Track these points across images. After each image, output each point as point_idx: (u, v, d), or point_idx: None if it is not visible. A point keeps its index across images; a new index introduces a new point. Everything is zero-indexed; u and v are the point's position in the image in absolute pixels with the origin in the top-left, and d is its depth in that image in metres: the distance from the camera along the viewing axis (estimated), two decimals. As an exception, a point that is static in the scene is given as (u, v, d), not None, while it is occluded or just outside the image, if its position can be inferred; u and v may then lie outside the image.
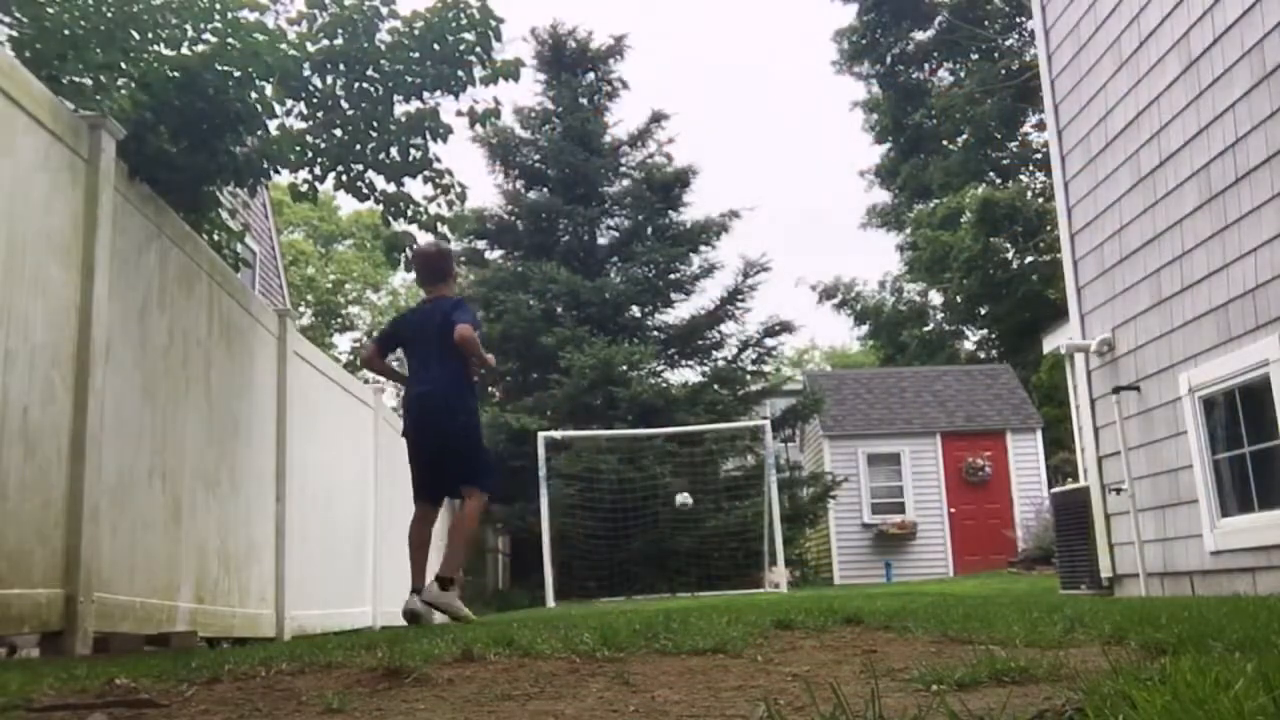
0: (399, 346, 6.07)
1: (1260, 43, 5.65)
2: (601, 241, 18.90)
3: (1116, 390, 7.02)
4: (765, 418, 15.93)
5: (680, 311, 18.64)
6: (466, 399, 5.68)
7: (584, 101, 19.03)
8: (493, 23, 6.09)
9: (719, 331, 18.32)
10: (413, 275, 6.59)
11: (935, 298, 28.77)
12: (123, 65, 5.16)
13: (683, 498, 14.44)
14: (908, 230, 27.70)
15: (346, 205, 34.33)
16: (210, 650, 4.45)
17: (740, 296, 18.03)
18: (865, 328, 30.59)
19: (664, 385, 16.74)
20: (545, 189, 18.76)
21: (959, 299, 26.74)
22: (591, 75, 19.38)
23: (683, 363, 18.43)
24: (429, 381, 5.62)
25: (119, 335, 4.40)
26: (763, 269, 17.91)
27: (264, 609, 6.15)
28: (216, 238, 6.12)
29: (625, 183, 18.92)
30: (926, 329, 29.09)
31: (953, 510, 18.24)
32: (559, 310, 17.18)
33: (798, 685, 2.08)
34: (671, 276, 18.27)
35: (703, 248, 18.45)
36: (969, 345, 29.09)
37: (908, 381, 20.25)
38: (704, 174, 19.06)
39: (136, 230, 4.67)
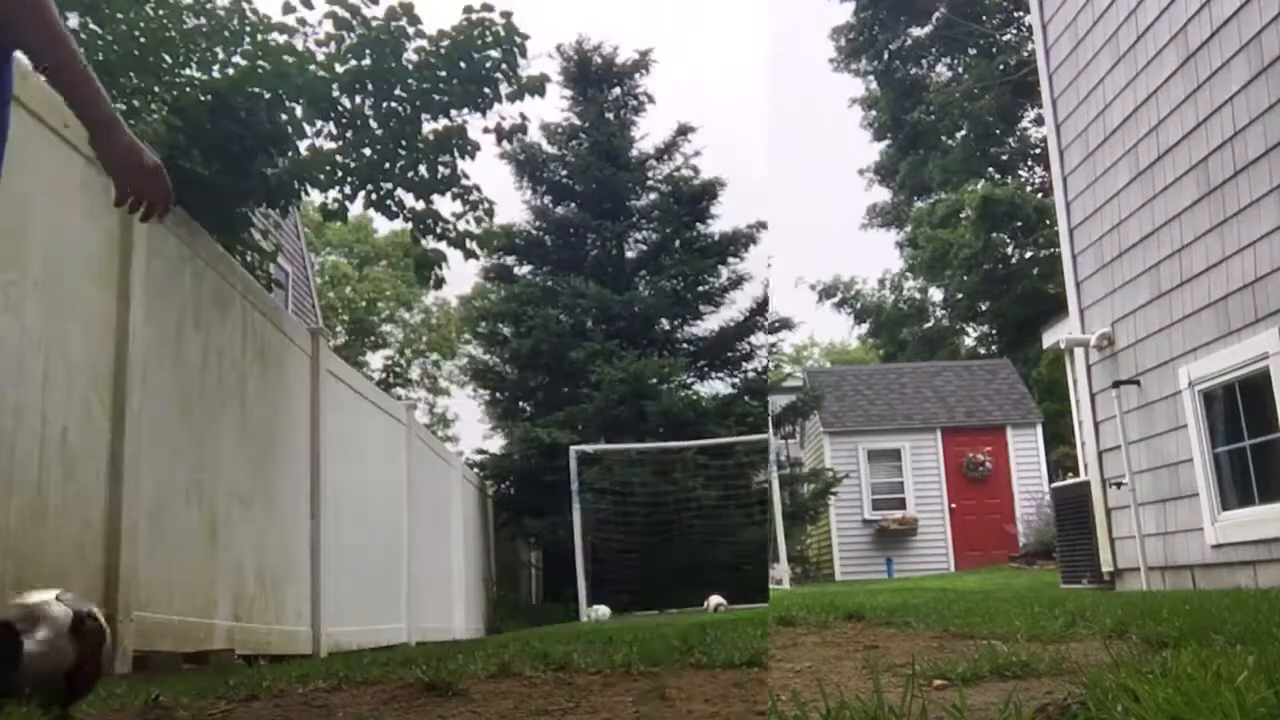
0: None
1: (1258, 35, 5.60)
2: (630, 255, 18.95)
3: (1116, 384, 6.98)
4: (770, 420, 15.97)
5: (709, 324, 18.66)
6: None
7: (610, 116, 19.10)
8: (518, 39, 6.13)
9: (749, 343, 18.32)
10: (440, 289, 5.52)
11: (935, 295, 28.65)
12: (155, 90, 5.24)
13: None
14: (908, 228, 27.59)
15: (382, 227, 34.59)
16: (248, 668, 4.48)
17: (769, 306, 18.08)
18: (865, 326, 30.45)
19: (694, 398, 16.73)
20: (573, 204, 18.84)
21: (959, 295, 26.58)
22: (618, 90, 19.46)
23: (713, 375, 18.42)
24: None
25: (155, 356, 4.45)
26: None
27: (300, 626, 6.18)
28: (249, 258, 6.19)
29: (652, 196, 18.97)
30: (926, 326, 28.93)
31: (953, 506, 18.15)
32: (588, 324, 17.22)
33: (799, 681, 2.06)
34: (700, 289, 18.29)
35: (731, 259, 18.47)
36: (969, 341, 28.93)
37: (908, 377, 20.22)
38: (732, 184, 19.00)
39: (171, 253, 4.73)
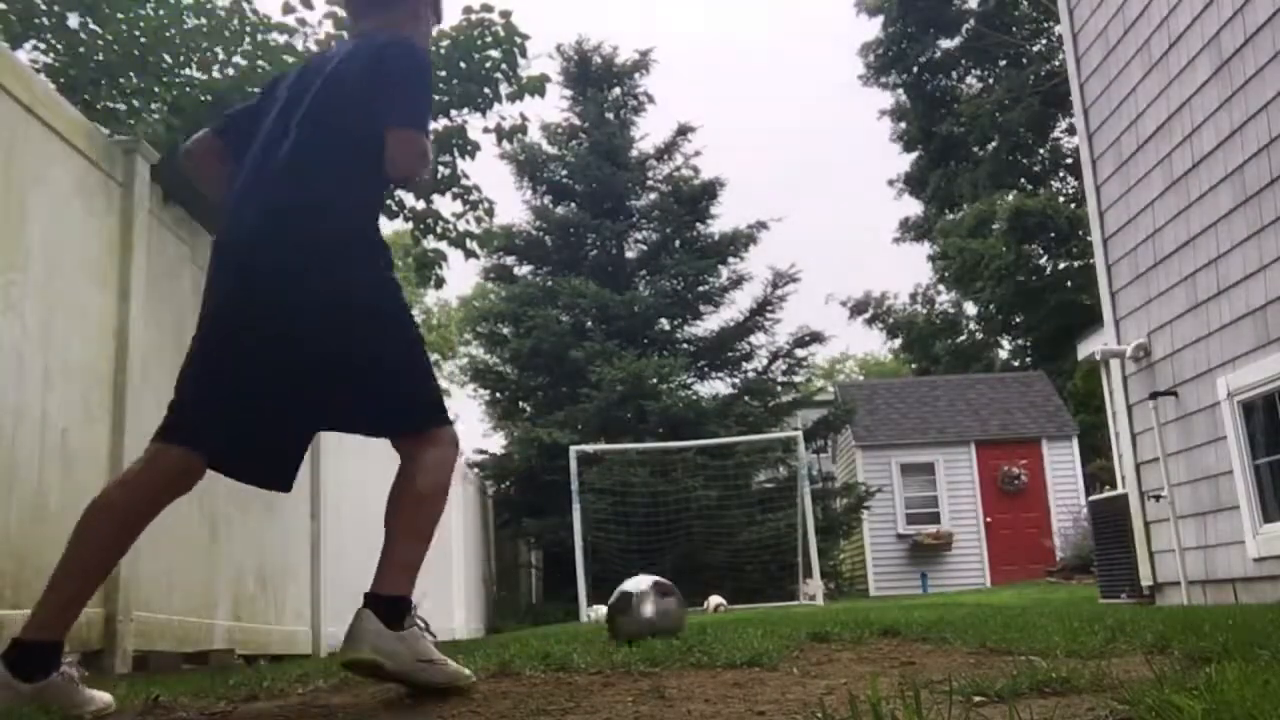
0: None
1: (1293, 42, 5.58)
2: (630, 255, 18.94)
3: (1154, 396, 6.93)
4: (797, 429, 15.87)
5: (709, 324, 18.62)
6: (364, 241, 2.54)
7: (610, 116, 19.10)
8: (518, 40, 6.14)
9: (749, 343, 18.30)
10: (441, 289, 5.74)
11: (969, 308, 28.62)
12: (155, 90, 5.24)
13: None
14: (939, 242, 27.57)
15: (382, 226, 34.56)
16: (248, 668, 4.48)
17: (770, 307, 18.01)
18: (898, 341, 30.47)
19: (694, 398, 16.72)
20: (573, 204, 18.83)
21: (992, 308, 26.54)
22: (618, 90, 19.46)
23: (713, 375, 18.41)
24: (280, 184, 2.48)
25: (155, 356, 4.45)
26: (792, 279, 17.89)
27: (300, 626, 6.18)
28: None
29: (653, 196, 18.96)
30: (960, 339, 28.90)
31: (989, 520, 18.04)
32: (588, 324, 17.21)
33: (834, 698, 2.06)
34: (700, 289, 18.28)
35: (731, 259, 18.46)
36: (1003, 354, 28.88)
37: (940, 390, 20.09)
38: (731, 186, 18.99)
39: (171, 252, 4.73)
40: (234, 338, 2.41)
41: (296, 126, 2.51)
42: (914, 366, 30.32)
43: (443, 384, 24.68)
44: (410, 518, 2.48)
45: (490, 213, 6.73)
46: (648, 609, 3.67)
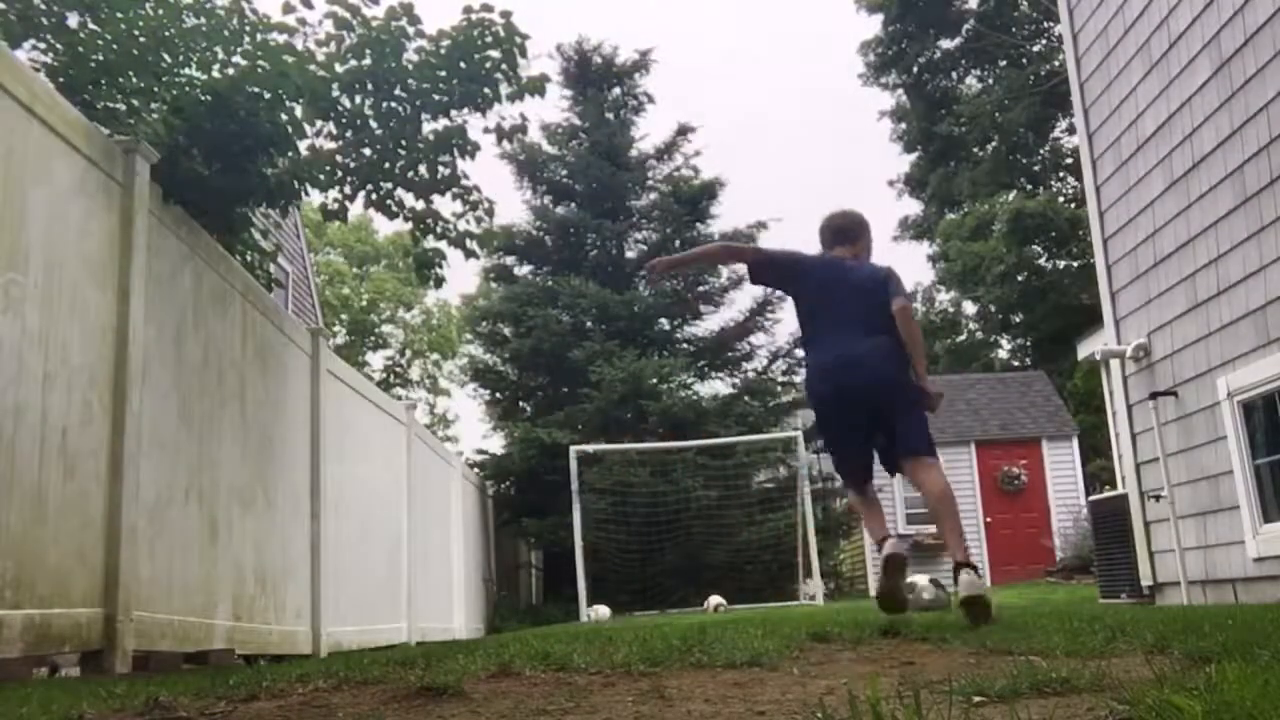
0: (787, 287, 4.93)
1: (1293, 42, 5.57)
2: (630, 255, 18.94)
3: (1154, 396, 6.93)
4: (797, 429, 15.86)
5: (709, 323, 18.57)
6: (906, 372, 4.58)
7: (610, 116, 19.10)
8: (518, 39, 6.13)
9: (749, 343, 18.31)
10: (441, 289, 6.11)
11: (969, 308, 28.59)
12: (155, 90, 5.23)
13: None
14: (938, 241, 27.55)
15: (383, 227, 34.62)
16: (248, 667, 4.48)
17: (769, 307, 18.01)
18: (897, 341, 30.43)
19: (694, 398, 16.72)
20: (573, 204, 18.83)
21: (992, 308, 26.54)
22: (618, 90, 19.46)
23: (712, 375, 18.41)
24: (858, 349, 4.46)
25: (155, 356, 4.45)
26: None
27: (300, 625, 6.18)
28: (249, 258, 6.19)
29: (653, 196, 18.96)
30: (960, 339, 28.90)
31: (989, 520, 18.03)
32: (588, 324, 17.21)
33: (834, 698, 2.06)
34: (700, 289, 18.28)
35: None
36: (1002, 354, 28.87)
37: (940, 390, 20.07)
38: (731, 186, 18.98)
39: (171, 252, 4.73)
40: (848, 409, 4.51)
41: (857, 305, 4.54)
42: (913, 368, 30.25)
43: (443, 384, 24.34)
44: (947, 517, 4.47)
45: (490, 213, 6.71)
46: (926, 595, 5.86)
